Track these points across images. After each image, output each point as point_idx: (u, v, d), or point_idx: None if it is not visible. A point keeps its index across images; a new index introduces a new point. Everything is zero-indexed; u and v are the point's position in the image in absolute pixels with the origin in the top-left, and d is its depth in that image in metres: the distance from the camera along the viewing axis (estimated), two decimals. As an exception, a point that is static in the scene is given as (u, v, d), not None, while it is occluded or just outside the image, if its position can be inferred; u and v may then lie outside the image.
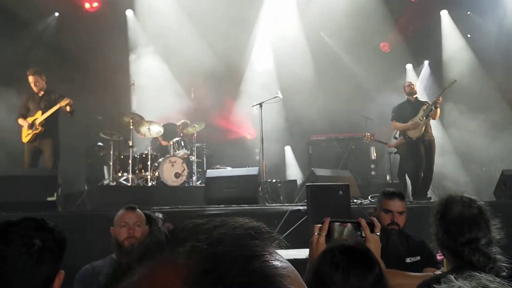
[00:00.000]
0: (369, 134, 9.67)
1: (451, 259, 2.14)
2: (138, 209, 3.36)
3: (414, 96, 8.17)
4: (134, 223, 3.24)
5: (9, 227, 1.72)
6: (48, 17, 11.08)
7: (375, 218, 2.84)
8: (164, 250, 0.57)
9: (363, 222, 2.71)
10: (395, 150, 9.11)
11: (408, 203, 6.66)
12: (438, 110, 7.89)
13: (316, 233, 1.97)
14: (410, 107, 8.12)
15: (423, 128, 7.84)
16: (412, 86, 8.25)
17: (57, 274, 1.78)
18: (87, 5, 11.18)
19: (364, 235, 2.11)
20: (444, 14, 12.18)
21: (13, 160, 8.39)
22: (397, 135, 8.87)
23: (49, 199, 5.84)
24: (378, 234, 2.69)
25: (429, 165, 7.89)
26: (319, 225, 2.52)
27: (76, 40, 10.56)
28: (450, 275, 1.22)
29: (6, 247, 1.66)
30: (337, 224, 2.88)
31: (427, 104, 7.99)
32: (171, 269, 0.54)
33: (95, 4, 11.22)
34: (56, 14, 11.20)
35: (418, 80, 12.40)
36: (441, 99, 7.84)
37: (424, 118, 7.84)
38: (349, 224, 2.79)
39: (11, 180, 6.10)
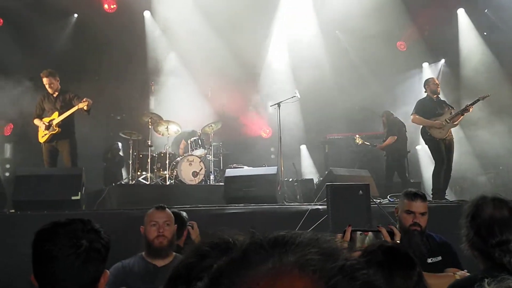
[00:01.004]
0: (358, 136, 9.61)
1: (482, 260, 2.17)
2: (167, 209, 3.43)
3: (437, 96, 7.98)
4: (164, 222, 3.30)
5: (57, 228, 1.78)
6: (67, 18, 11.25)
7: (394, 227, 2.91)
8: (286, 254, 0.62)
9: (384, 230, 2.79)
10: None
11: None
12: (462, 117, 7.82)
13: None
14: (432, 105, 7.90)
15: (449, 131, 7.76)
16: (438, 85, 8.04)
17: (103, 274, 1.83)
18: (106, 6, 11.32)
19: None
20: (461, 12, 12.08)
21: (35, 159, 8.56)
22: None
23: (73, 198, 5.96)
24: (398, 242, 2.74)
25: (449, 165, 7.82)
26: (340, 234, 2.59)
27: (95, 41, 10.71)
28: (484, 278, 1.25)
29: (54, 248, 1.72)
30: (358, 233, 2.97)
31: (452, 108, 7.87)
32: (299, 273, 0.60)
33: (113, 6, 11.35)
34: (75, 15, 11.37)
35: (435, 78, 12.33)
36: (471, 109, 7.69)
37: (451, 121, 7.77)
38: (370, 233, 2.87)
39: (36, 179, 6.23)
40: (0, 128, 10.88)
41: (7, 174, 10.33)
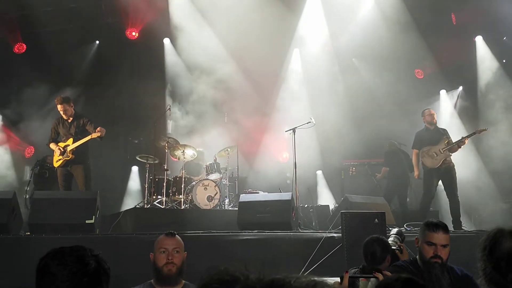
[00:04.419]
0: (354, 169, 9.83)
1: (501, 295, 2.08)
2: (177, 235, 3.39)
3: (433, 126, 8.25)
4: (173, 249, 3.26)
5: (64, 251, 1.78)
6: (89, 44, 11.57)
7: (388, 272, 2.89)
8: None
9: (380, 276, 2.80)
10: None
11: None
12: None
13: None
14: (428, 135, 8.22)
15: (442, 160, 7.87)
16: (434, 116, 8.31)
17: None
18: (128, 34, 11.62)
19: None
20: (479, 39, 12.03)
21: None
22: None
23: (87, 221, 5.99)
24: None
25: (452, 192, 7.87)
26: (337, 281, 2.58)
27: (116, 67, 10.95)
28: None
29: (63, 268, 1.71)
30: (360, 279, 2.98)
31: (449, 138, 8.01)
32: None
33: (134, 33, 11.65)
34: (97, 42, 11.70)
35: (452, 106, 12.24)
36: (467, 141, 7.86)
37: (445, 151, 7.88)
38: (372, 278, 2.87)
39: (52, 202, 6.30)
40: (21, 151, 11.11)
41: (26, 196, 10.48)
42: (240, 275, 1.15)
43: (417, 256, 3.23)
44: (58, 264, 1.71)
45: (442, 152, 7.87)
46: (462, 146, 7.89)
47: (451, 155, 7.94)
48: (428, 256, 3.11)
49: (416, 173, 8.26)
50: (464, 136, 7.95)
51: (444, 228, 3.18)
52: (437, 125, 8.36)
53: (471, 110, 11.78)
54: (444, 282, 3.04)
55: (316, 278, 0.65)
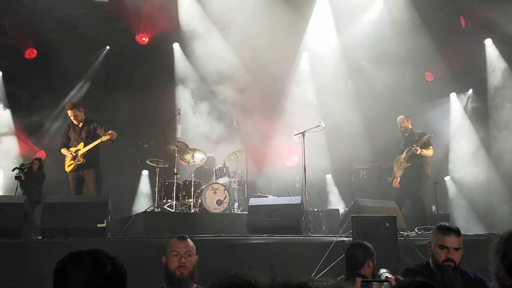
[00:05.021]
0: (364, 172, 10.03)
1: (514, 300, 2.06)
2: (188, 239, 3.40)
3: (407, 132, 8.43)
4: (185, 252, 3.27)
5: (81, 254, 1.79)
6: (99, 49, 11.68)
7: (400, 276, 2.91)
8: None
9: (392, 280, 2.82)
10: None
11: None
12: (423, 150, 8.04)
13: None
14: (403, 142, 8.48)
15: (400, 174, 8.30)
16: (399, 124, 8.50)
17: None
18: (138, 39, 11.72)
19: None
20: (488, 42, 11.96)
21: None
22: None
23: (99, 225, 6.03)
24: None
25: (410, 198, 8.25)
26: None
27: (126, 72, 11.04)
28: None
29: (81, 270, 1.72)
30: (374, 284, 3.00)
31: (412, 147, 8.12)
32: None
33: (144, 39, 11.75)
34: (107, 47, 11.80)
35: (462, 108, 12.17)
36: (418, 149, 7.98)
37: (405, 162, 8.18)
38: (385, 283, 2.90)
39: (64, 207, 6.35)
40: (33, 156, 11.21)
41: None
42: (251, 279, 1.15)
43: (430, 260, 3.23)
44: (74, 266, 1.72)
45: (403, 163, 8.25)
46: (416, 152, 8.00)
47: (409, 164, 8.19)
48: (441, 260, 3.11)
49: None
50: (413, 146, 8.08)
51: (457, 231, 3.18)
52: (417, 130, 8.48)
53: (481, 113, 11.70)
54: (457, 286, 3.03)
55: (341, 282, 0.66)
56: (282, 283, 0.65)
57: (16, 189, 8.66)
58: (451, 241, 3.13)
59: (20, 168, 8.83)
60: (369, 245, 3.88)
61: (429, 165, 8.30)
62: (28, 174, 8.95)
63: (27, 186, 8.85)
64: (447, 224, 3.24)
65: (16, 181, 8.71)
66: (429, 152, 8.15)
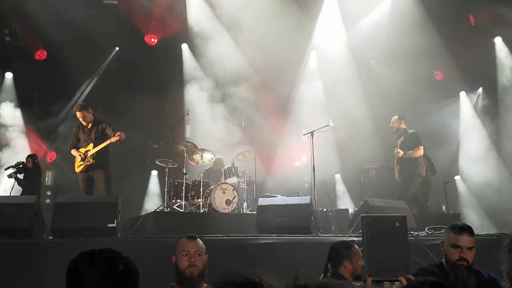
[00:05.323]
0: (374, 172, 10.33)
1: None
2: (198, 238, 3.42)
3: (398, 133, 8.53)
4: (195, 252, 3.28)
5: (93, 253, 1.80)
6: (109, 50, 11.75)
7: (411, 276, 2.90)
8: None
9: (403, 280, 2.81)
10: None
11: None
12: (409, 152, 8.11)
13: None
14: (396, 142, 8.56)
15: (397, 176, 8.48)
16: (393, 124, 8.61)
17: None
18: (148, 40, 11.79)
19: None
20: (498, 40, 11.85)
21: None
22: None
23: (109, 225, 6.06)
24: None
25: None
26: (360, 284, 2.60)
27: (135, 73, 11.09)
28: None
29: (93, 269, 1.73)
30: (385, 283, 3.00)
31: (398, 147, 8.33)
32: None
33: (153, 40, 11.81)
34: (117, 48, 11.88)
35: (472, 107, 12.09)
36: (400, 152, 8.21)
37: (397, 165, 8.37)
38: (396, 282, 2.90)
39: (74, 207, 6.40)
40: (43, 156, 11.33)
41: (47, 201, 10.67)
42: (254, 277, 1.15)
43: (443, 259, 3.22)
44: (86, 265, 1.73)
45: (395, 165, 8.42)
46: (401, 155, 8.18)
47: (398, 167, 8.35)
48: (454, 259, 3.10)
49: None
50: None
51: (469, 230, 3.17)
52: (410, 130, 8.53)
53: (492, 111, 11.60)
54: (471, 285, 3.01)
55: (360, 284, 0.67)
56: (303, 284, 0.65)
57: (12, 188, 8.53)
58: (464, 240, 3.12)
59: (14, 166, 8.81)
60: (353, 246, 3.86)
61: (422, 164, 8.26)
62: (23, 172, 8.92)
63: (23, 184, 8.84)
64: (460, 223, 3.24)
65: (14, 180, 8.67)
66: (417, 152, 8.13)
